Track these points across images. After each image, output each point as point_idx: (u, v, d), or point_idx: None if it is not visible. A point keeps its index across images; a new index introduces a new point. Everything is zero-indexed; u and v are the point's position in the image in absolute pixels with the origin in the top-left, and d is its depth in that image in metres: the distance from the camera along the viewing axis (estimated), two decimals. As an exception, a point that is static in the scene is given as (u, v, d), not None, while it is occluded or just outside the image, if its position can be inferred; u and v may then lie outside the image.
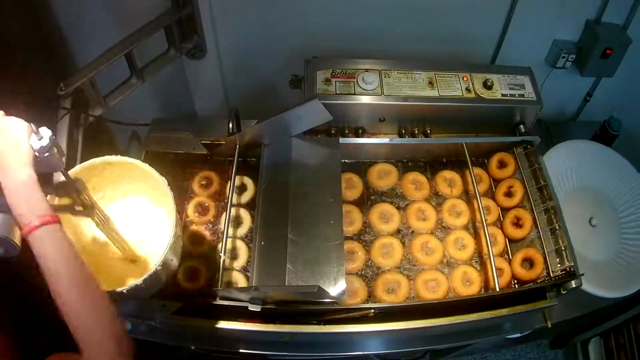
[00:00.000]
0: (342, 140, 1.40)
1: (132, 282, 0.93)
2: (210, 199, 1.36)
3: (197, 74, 1.76)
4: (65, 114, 1.27)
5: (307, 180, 1.30)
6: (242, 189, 1.39)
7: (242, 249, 1.29)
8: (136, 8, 1.43)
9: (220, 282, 1.16)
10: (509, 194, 1.40)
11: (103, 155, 1.04)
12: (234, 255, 1.28)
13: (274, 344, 1.32)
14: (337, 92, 1.41)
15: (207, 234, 1.31)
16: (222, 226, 1.32)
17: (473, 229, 1.39)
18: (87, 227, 1.08)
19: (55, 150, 0.77)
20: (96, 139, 1.74)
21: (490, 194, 1.46)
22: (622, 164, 1.65)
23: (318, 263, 1.15)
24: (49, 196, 0.90)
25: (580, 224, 1.56)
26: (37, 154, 0.74)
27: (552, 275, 1.24)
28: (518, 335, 1.45)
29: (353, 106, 1.42)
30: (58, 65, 1.53)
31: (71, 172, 0.93)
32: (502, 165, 1.46)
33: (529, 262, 1.29)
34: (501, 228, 1.39)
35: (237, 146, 1.36)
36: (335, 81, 1.43)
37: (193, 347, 1.31)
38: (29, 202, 0.72)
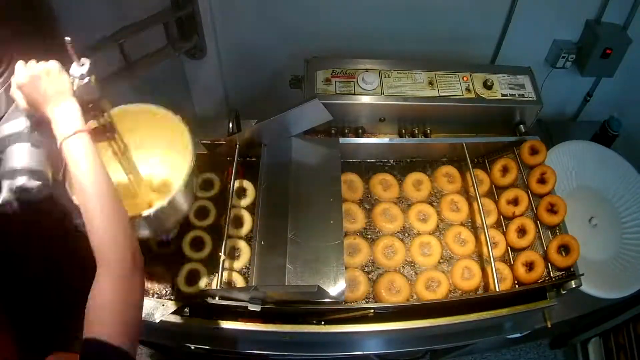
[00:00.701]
0: (342, 140, 1.40)
1: (158, 203, 0.95)
2: (210, 201, 1.36)
3: (197, 74, 1.76)
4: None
5: (307, 180, 1.30)
6: (242, 191, 1.39)
7: (243, 249, 1.29)
8: (137, 8, 1.43)
9: (220, 282, 1.16)
10: (514, 202, 1.38)
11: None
12: (235, 256, 1.28)
13: (274, 344, 1.32)
14: (337, 92, 1.41)
15: (207, 237, 1.31)
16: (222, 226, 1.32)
17: (474, 229, 1.38)
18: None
19: (93, 77, 0.84)
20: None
21: (491, 196, 1.45)
22: (622, 164, 1.66)
23: (318, 263, 1.15)
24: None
25: (580, 224, 1.56)
26: (77, 80, 0.82)
27: (552, 276, 1.24)
28: (518, 335, 1.45)
29: (353, 106, 1.42)
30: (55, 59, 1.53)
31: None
32: (504, 171, 1.44)
33: (529, 265, 1.28)
34: (502, 232, 1.37)
35: (237, 146, 1.36)
36: (335, 81, 1.43)
37: (193, 347, 1.31)
38: (67, 120, 0.79)
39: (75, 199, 0.83)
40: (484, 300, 1.22)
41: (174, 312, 1.15)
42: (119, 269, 0.75)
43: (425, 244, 1.32)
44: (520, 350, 2.28)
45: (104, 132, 0.93)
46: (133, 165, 1.05)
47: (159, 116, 1.11)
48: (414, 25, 1.64)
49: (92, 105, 0.87)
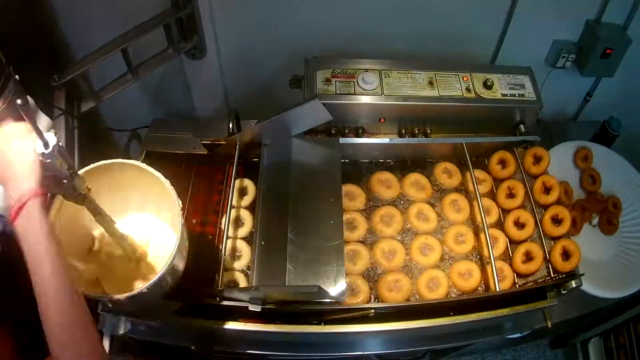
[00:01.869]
0: (342, 140, 1.40)
1: (138, 286, 0.92)
2: (211, 201, 1.36)
3: (197, 74, 1.76)
4: (60, 115, 1.28)
5: (307, 180, 1.30)
6: (243, 192, 1.39)
7: (244, 249, 1.29)
8: (136, 7, 1.43)
9: (220, 282, 1.16)
10: (510, 195, 1.39)
11: (102, 155, 1.04)
12: (235, 256, 1.28)
13: (274, 344, 1.32)
14: (337, 92, 1.41)
15: (208, 237, 1.31)
16: (222, 227, 1.32)
17: (474, 229, 1.38)
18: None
19: (57, 158, 0.78)
20: (96, 138, 1.74)
21: (492, 195, 1.45)
22: (622, 164, 1.66)
23: (318, 263, 1.15)
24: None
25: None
26: (41, 158, 0.75)
27: (552, 275, 1.24)
28: (518, 335, 1.45)
29: (353, 106, 1.42)
30: (57, 63, 1.54)
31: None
32: (502, 164, 1.45)
33: (528, 257, 1.28)
34: (503, 230, 1.37)
35: (237, 146, 1.36)
36: (335, 81, 1.43)
37: (193, 347, 1.31)
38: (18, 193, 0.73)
39: (33, 282, 0.74)
40: (484, 300, 1.22)
41: (174, 312, 1.15)
42: None
43: (425, 244, 1.32)
44: (520, 350, 2.28)
45: (75, 198, 0.88)
46: (113, 228, 1.02)
47: (145, 171, 1.04)
48: (414, 25, 1.64)
49: (65, 182, 0.82)
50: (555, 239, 1.30)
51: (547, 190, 1.36)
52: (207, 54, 1.67)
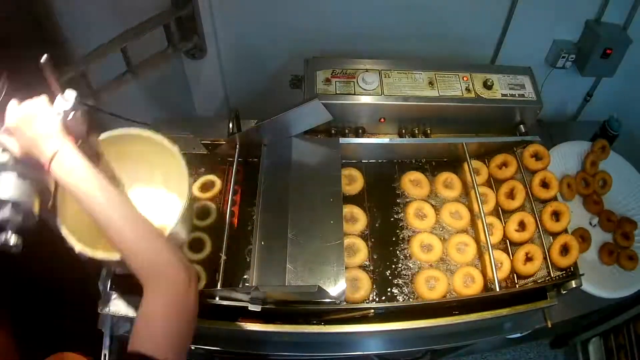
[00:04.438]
0: (342, 140, 1.40)
1: None
2: (211, 201, 1.36)
3: (197, 74, 1.76)
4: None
5: (307, 180, 1.30)
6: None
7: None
8: (136, 7, 1.43)
9: (220, 282, 1.16)
10: (510, 196, 1.38)
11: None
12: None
13: (274, 344, 1.32)
14: (337, 92, 1.41)
15: (207, 237, 1.31)
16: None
17: (471, 222, 1.38)
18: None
19: (79, 112, 0.81)
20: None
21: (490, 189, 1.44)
22: (622, 164, 1.66)
23: (318, 263, 1.15)
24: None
25: (581, 224, 1.56)
26: (61, 115, 0.79)
27: (552, 275, 1.24)
28: (518, 335, 1.45)
29: (353, 106, 1.42)
30: (57, 62, 1.54)
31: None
32: (503, 165, 1.45)
33: (528, 257, 1.27)
34: (503, 231, 1.36)
35: (237, 146, 1.36)
36: (335, 81, 1.43)
37: (193, 347, 1.31)
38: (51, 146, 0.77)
39: (99, 226, 0.78)
40: (484, 300, 1.22)
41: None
42: (171, 283, 0.72)
43: (425, 242, 1.32)
44: (520, 350, 2.28)
45: (90, 158, 0.88)
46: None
47: (153, 141, 1.08)
48: (414, 25, 1.64)
49: (80, 143, 0.84)
50: (555, 235, 1.30)
51: (546, 186, 1.36)
52: (207, 54, 1.67)
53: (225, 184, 1.39)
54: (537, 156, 1.40)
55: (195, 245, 1.27)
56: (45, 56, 0.73)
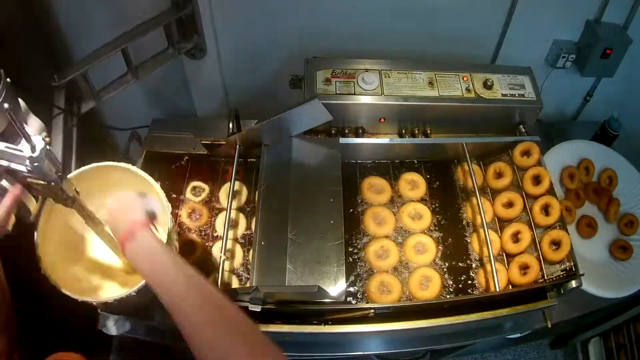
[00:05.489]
0: (342, 140, 1.40)
1: (125, 291, 0.93)
2: (203, 204, 1.37)
3: (197, 74, 1.76)
4: (59, 113, 1.28)
5: (307, 180, 1.30)
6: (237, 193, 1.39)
7: (237, 250, 1.29)
8: (136, 7, 1.43)
9: (219, 282, 1.16)
10: (509, 205, 1.39)
11: (102, 155, 1.04)
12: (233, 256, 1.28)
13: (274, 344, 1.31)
14: (337, 92, 1.41)
15: (199, 240, 1.31)
16: (216, 229, 1.34)
17: (474, 229, 1.38)
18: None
19: (47, 161, 0.76)
20: (96, 138, 1.74)
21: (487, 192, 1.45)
22: (622, 164, 1.66)
23: (318, 263, 1.15)
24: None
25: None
26: (27, 161, 0.74)
27: (546, 278, 1.24)
28: (518, 335, 1.45)
29: (353, 106, 1.42)
30: (57, 61, 1.54)
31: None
32: (498, 174, 1.45)
33: (524, 268, 1.28)
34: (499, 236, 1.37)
35: (237, 146, 1.36)
36: (335, 81, 1.43)
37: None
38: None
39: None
40: (484, 300, 1.22)
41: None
42: None
43: (419, 243, 1.33)
44: (520, 350, 2.28)
45: (64, 201, 0.88)
46: (103, 231, 1.00)
47: (127, 172, 1.06)
48: (414, 25, 1.64)
49: (53, 184, 0.81)
50: (546, 228, 1.31)
51: (537, 182, 1.36)
52: (207, 54, 1.67)
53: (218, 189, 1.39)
54: (527, 153, 1.41)
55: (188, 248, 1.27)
56: (6, 105, 0.72)
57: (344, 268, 1.15)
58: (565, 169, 1.59)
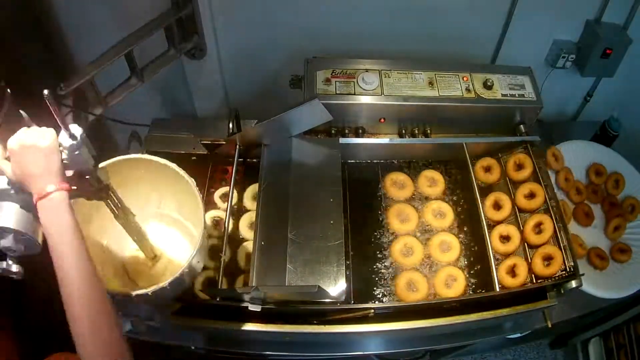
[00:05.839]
0: (342, 140, 1.40)
1: (157, 285, 0.93)
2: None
3: (197, 74, 1.76)
4: (69, 112, 1.27)
5: (307, 180, 1.30)
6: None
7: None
8: (136, 8, 1.43)
9: (220, 282, 1.16)
10: (530, 196, 1.37)
11: (103, 155, 1.03)
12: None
13: (274, 344, 1.32)
14: (337, 92, 1.41)
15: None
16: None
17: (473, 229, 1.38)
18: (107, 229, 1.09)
19: (85, 149, 0.78)
20: (96, 138, 1.73)
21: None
22: (622, 164, 1.66)
23: (318, 263, 1.15)
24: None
25: (582, 227, 1.56)
26: (67, 151, 0.76)
27: (568, 269, 1.23)
28: (518, 335, 1.45)
29: (353, 106, 1.42)
30: (58, 64, 1.54)
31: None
32: (489, 170, 1.45)
33: (548, 260, 1.26)
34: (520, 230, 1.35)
35: (237, 146, 1.36)
36: (335, 81, 1.43)
37: (193, 347, 1.31)
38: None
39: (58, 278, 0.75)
40: (484, 300, 1.22)
41: (174, 312, 1.15)
42: None
43: (444, 242, 1.33)
44: (520, 350, 2.28)
45: (98, 194, 0.88)
46: (134, 225, 1.01)
47: (168, 169, 1.05)
48: (414, 25, 1.64)
49: (87, 177, 0.82)
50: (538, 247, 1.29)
51: (530, 196, 1.35)
52: (207, 54, 1.67)
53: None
54: (520, 166, 1.41)
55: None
56: (46, 91, 0.70)
57: (344, 268, 1.15)
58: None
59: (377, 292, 1.26)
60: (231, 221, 1.30)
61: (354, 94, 1.41)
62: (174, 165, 1.05)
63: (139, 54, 1.44)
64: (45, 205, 0.74)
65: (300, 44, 1.63)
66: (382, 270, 1.29)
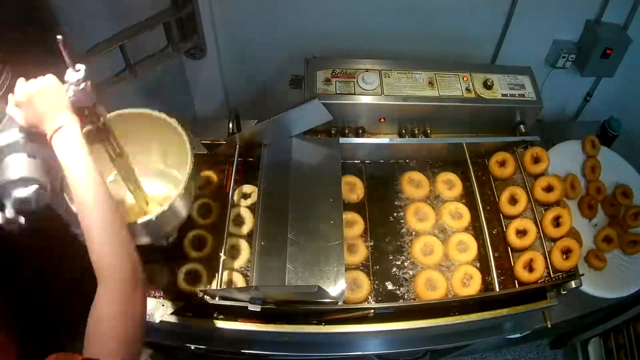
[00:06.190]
0: (342, 140, 1.40)
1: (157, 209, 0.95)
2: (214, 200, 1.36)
3: (197, 74, 1.76)
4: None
5: (307, 180, 1.30)
6: (243, 191, 1.39)
7: (244, 249, 1.29)
8: (136, 6, 1.43)
9: (220, 282, 1.16)
10: (512, 201, 1.38)
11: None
12: (234, 255, 1.28)
13: (274, 344, 1.32)
14: (337, 92, 1.41)
15: (209, 236, 1.30)
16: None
17: (474, 230, 1.38)
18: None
19: (89, 83, 0.83)
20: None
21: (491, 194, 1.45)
22: (622, 164, 1.66)
23: (318, 263, 1.15)
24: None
25: (581, 224, 1.55)
26: (73, 86, 0.81)
27: (552, 275, 1.24)
28: (518, 335, 1.45)
29: (353, 106, 1.42)
30: (54, 58, 1.53)
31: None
32: (503, 164, 1.44)
33: (565, 253, 1.26)
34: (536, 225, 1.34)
35: (237, 146, 1.36)
36: (335, 81, 1.43)
37: (193, 347, 1.31)
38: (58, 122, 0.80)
39: (74, 207, 0.82)
40: (484, 300, 1.22)
41: (174, 312, 1.15)
42: (118, 283, 0.73)
43: (461, 242, 1.33)
44: (520, 350, 2.28)
45: (98, 135, 0.92)
46: (131, 170, 1.03)
47: (157, 119, 1.10)
48: (414, 25, 1.64)
49: (87, 112, 0.86)
50: (556, 240, 1.29)
51: (548, 190, 1.35)
52: (207, 54, 1.67)
53: (225, 183, 1.39)
54: (536, 159, 1.40)
55: (196, 243, 1.27)
56: (59, 36, 0.76)
57: (344, 268, 1.15)
58: (566, 177, 1.57)
59: (398, 290, 1.27)
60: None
61: (354, 94, 1.41)
62: (155, 112, 1.09)
63: (140, 51, 1.44)
64: (59, 138, 0.78)
65: (300, 44, 1.64)
66: (402, 269, 1.30)
